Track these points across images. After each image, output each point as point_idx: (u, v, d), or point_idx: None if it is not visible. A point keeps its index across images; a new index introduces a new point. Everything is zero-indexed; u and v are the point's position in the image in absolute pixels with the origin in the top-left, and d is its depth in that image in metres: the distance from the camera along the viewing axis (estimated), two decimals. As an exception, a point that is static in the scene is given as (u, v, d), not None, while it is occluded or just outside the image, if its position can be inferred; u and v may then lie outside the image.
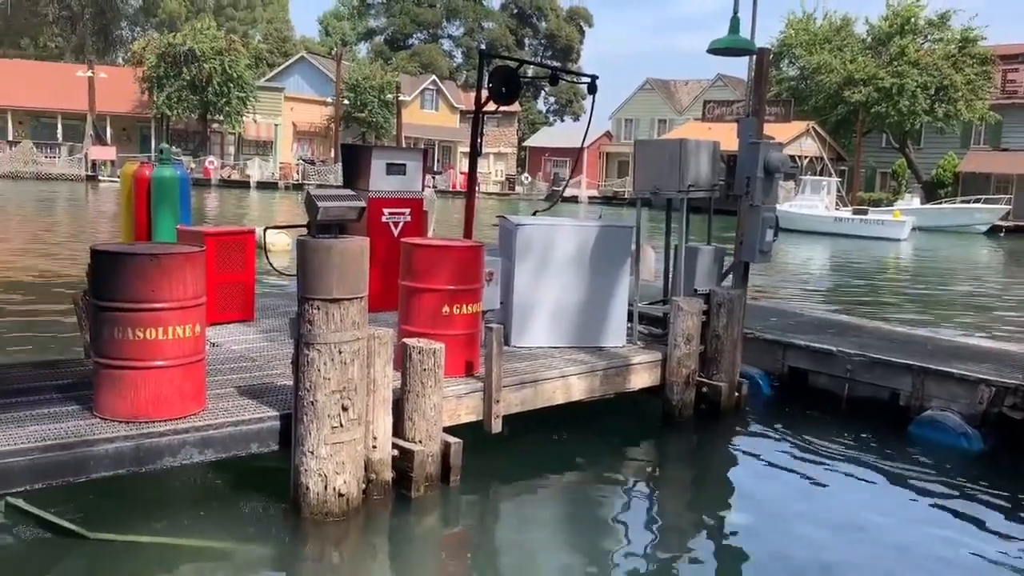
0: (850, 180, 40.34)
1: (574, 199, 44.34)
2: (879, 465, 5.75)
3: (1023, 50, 42.26)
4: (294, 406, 4.26)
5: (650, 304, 7.38)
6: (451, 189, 43.83)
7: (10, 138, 40.78)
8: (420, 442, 4.64)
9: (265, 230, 7.43)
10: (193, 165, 39.17)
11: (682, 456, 6.22)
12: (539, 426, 5.76)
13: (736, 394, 6.61)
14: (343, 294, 4.17)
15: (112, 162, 38.72)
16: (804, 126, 39.63)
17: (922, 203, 36.79)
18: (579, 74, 8.75)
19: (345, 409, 4.20)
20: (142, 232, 6.75)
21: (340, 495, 4.23)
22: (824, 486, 5.48)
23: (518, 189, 52.61)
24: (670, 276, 7.40)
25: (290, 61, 55.56)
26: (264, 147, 47.20)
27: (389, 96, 48.50)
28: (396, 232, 6.89)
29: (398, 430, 4.63)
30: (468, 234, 7.55)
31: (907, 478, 5.55)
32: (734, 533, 4.75)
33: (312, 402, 4.16)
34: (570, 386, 5.76)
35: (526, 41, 71.56)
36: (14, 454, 3.70)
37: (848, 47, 42.02)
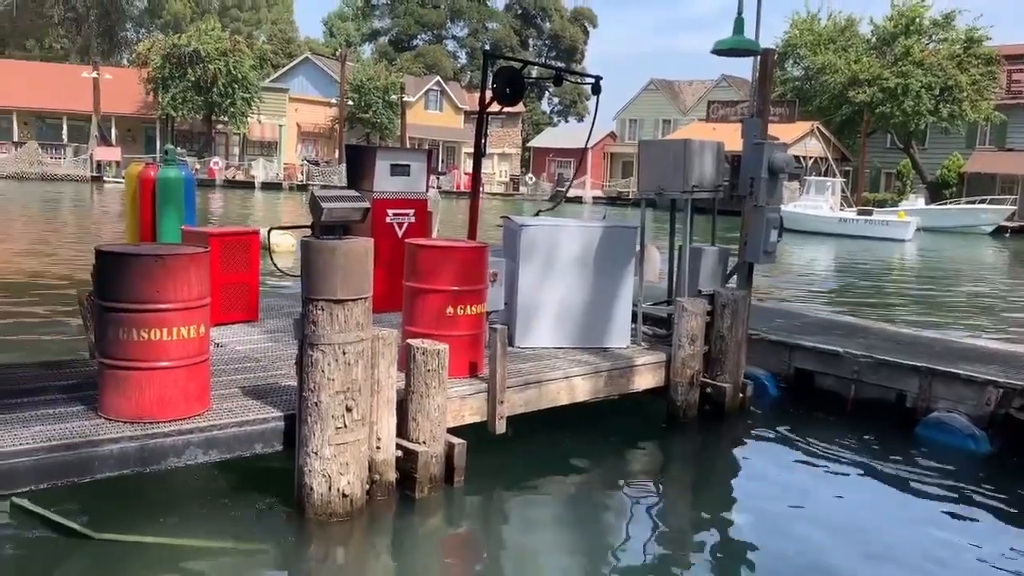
0: (854, 180, 40.24)
1: (578, 199, 44.30)
2: (885, 467, 5.73)
3: (1029, 50, 42.14)
4: (298, 407, 4.25)
5: (654, 305, 7.37)
6: (455, 190, 43.88)
7: (15, 139, 40.91)
8: (424, 443, 4.63)
9: (269, 231, 7.44)
10: (198, 166, 39.26)
11: (686, 457, 6.21)
12: (543, 427, 5.76)
13: (740, 395, 6.60)
14: (347, 295, 4.17)
15: (117, 163, 38.81)
16: (808, 126, 39.55)
17: (927, 203, 36.67)
18: (583, 75, 8.75)
19: (349, 410, 4.20)
20: (147, 233, 6.76)
21: (344, 496, 4.22)
22: (829, 487, 5.46)
23: (522, 190, 52.63)
24: (674, 277, 7.38)
25: (294, 62, 55.65)
26: (268, 148, 47.28)
27: (393, 97, 48.54)
28: (400, 233, 6.89)
29: (402, 431, 4.62)
30: (472, 235, 7.54)
31: (914, 480, 5.53)
32: (738, 534, 4.73)
33: (316, 403, 4.16)
34: (574, 387, 5.75)
35: (530, 42, 71.56)
36: (19, 454, 3.70)
37: (853, 47, 41.93)
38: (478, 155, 7.59)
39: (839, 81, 40.52)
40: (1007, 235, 34.31)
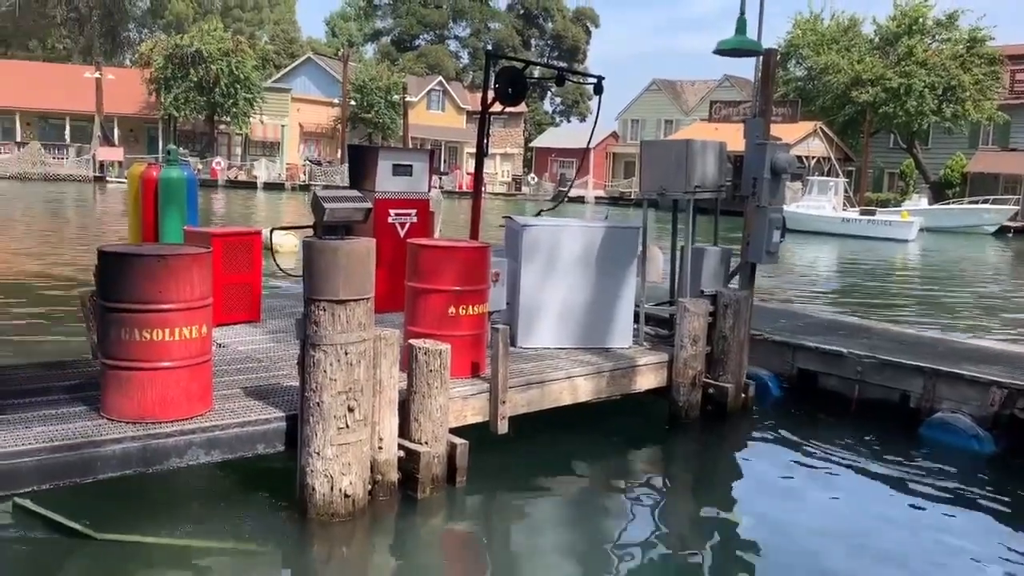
0: (857, 181, 40.20)
1: (581, 199, 44.31)
2: (889, 468, 5.71)
3: (1031, 50, 42.05)
4: (300, 407, 4.25)
5: (656, 305, 7.36)
6: (457, 190, 43.90)
7: (18, 139, 40.98)
8: (426, 443, 4.63)
9: (272, 231, 7.45)
10: (200, 166, 39.32)
11: (688, 458, 6.20)
12: (545, 427, 5.75)
13: (743, 395, 6.59)
14: (349, 295, 4.17)
15: (120, 163, 38.89)
16: (811, 127, 39.49)
17: (930, 204, 36.65)
18: (585, 75, 8.74)
19: (351, 410, 4.20)
20: (149, 233, 6.76)
21: (346, 496, 4.22)
22: (832, 488, 5.45)
23: (524, 190, 52.62)
24: (676, 277, 7.37)
25: (297, 62, 55.70)
26: (271, 148, 47.32)
27: (396, 97, 48.55)
28: (402, 233, 6.88)
29: (404, 431, 4.62)
30: (474, 235, 7.54)
31: (917, 481, 5.52)
32: (740, 535, 4.72)
33: (318, 403, 4.15)
34: (576, 387, 5.74)
35: (532, 42, 71.56)
36: (22, 455, 3.70)
37: (855, 47, 41.88)
38: (480, 155, 7.59)
39: (842, 81, 40.46)
40: (1010, 235, 34.25)
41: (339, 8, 75.15)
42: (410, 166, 7.05)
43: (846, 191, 33.59)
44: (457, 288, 5.18)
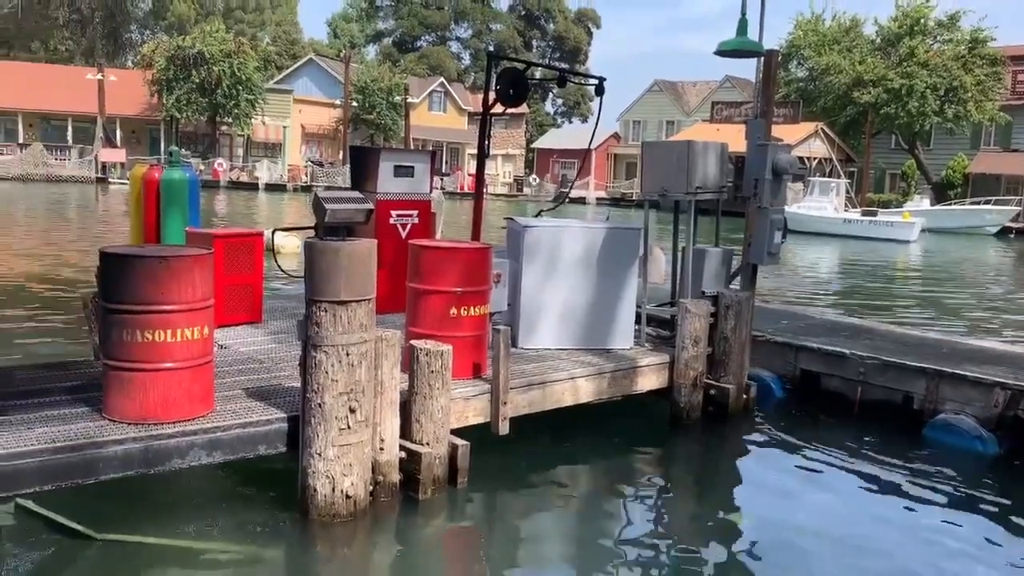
0: (859, 181, 40.17)
1: (582, 200, 44.30)
2: (892, 469, 5.70)
3: (1033, 51, 42.02)
4: (301, 408, 4.25)
5: (658, 306, 7.36)
6: (459, 191, 43.90)
7: (21, 141, 41.05)
8: (427, 444, 4.63)
9: (273, 232, 7.45)
10: (202, 167, 39.34)
11: (689, 459, 6.19)
12: (547, 428, 5.75)
13: (744, 397, 6.58)
14: (351, 296, 4.17)
15: (122, 164, 38.94)
16: (813, 127, 39.47)
17: (932, 204, 36.60)
18: (586, 76, 8.73)
19: (352, 411, 4.20)
20: (151, 234, 6.76)
21: (347, 497, 4.22)
22: (835, 490, 5.44)
23: (526, 191, 52.60)
24: (678, 278, 7.37)
25: (299, 63, 55.74)
26: (273, 149, 47.37)
27: (397, 98, 48.58)
28: (404, 234, 6.89)
29: (405, 432, 4.62)
30: (476, 236, 7.54)
31: (921, 482, 5.50)
32: (741, 537, 4.71)
33: (320, 404, 4.15)
34: (578, 388, 5.74)
35: (534, 43, 71.59)
36: (24, 455, 3.71)
37: (857, 48, 41.84)
38: (482, 156, 7.59)
39: (843, 82, 40.42)
40: (1012, 236, 34.21)
41: (341, 9, 75.41)
42: (412, 167, 7.05)
43: (848, 192, 33.57)
44: (458, 289, 5.17)
